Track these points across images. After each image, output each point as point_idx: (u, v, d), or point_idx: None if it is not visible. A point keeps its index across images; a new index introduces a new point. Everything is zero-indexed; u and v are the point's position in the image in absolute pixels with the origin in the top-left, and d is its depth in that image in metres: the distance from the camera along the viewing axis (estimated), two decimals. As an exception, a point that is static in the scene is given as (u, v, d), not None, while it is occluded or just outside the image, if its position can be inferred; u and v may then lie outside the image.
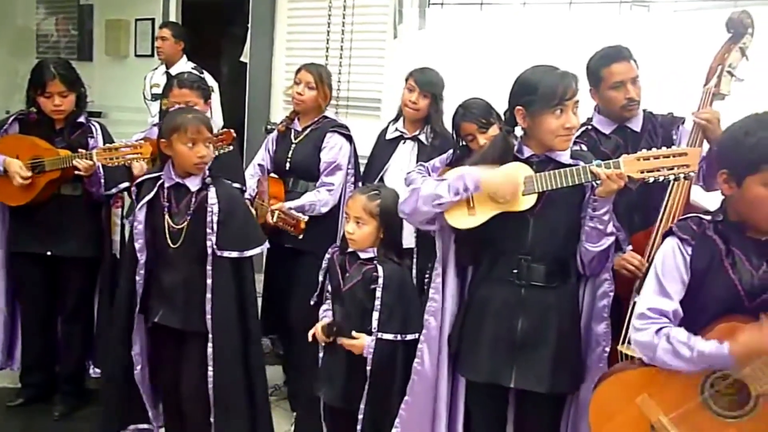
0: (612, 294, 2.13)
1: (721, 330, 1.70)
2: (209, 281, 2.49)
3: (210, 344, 2.50)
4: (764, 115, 1.76)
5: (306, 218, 2.99)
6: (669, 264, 1.80)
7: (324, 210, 3.17)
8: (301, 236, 3.03)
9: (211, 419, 2.55)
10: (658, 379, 1.78)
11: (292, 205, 3.13)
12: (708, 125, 2.29)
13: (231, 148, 3.03)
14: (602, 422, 1.87)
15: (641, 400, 1.79)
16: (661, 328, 1.75)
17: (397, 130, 3.22)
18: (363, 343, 2.36)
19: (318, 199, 3.16)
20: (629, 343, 2.02)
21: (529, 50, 2.85)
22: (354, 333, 2.39)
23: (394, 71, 3.28)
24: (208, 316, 2.49)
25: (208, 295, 2.49)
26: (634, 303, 1.88)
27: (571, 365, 2.12)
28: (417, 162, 3.02)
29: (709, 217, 1.82)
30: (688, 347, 1.69)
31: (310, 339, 2.49)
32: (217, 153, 2.74)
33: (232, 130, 3.04)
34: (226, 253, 2.51)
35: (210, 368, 2.51)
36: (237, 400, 2.57)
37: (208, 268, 2.49)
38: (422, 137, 3.14)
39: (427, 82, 3.11)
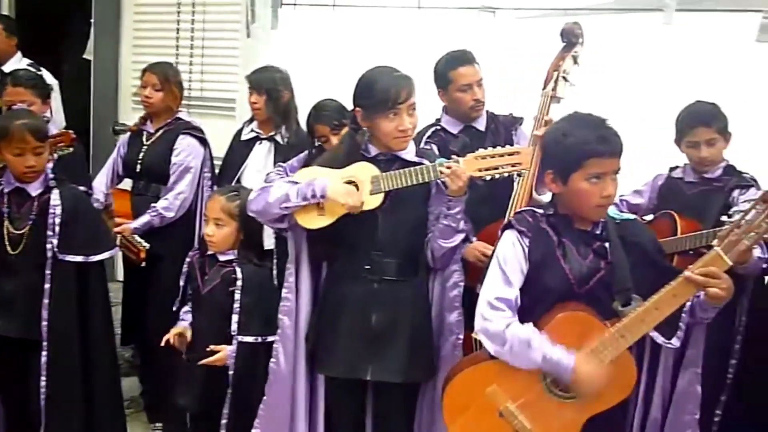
0: (462, 284, 2.23)
1: (559, 321, 1.81)
2: (47, 286, 2.41)
3: (44, 353, 2.41)
4: (577, 115, 1.90)
5: (147, 246, 2.89)
6: (510, 254, 1.89)
7: (170, 215, 3.08)
8: (143, 264, 2.96)
9: None
10: (506, 369, 1.86)
11: (138, 224, 3.04)
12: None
13: (71, 149, 2.89)
14: (456, 415, 1.93)
15: (491, 391, 1.87)
16: (509, 324, 1.83)
17: (252, 130, 3.20)
18: (224, 356, 2.34)
19: (162, 207, 3.07)
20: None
21: (380, 51, 2.94)
22: (212, 347, 2.35)
23: (248, 71, 3.26)
24: (44, 323, 2.40)
25: (45, 301, 2.40)
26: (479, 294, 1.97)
27: (425, 355, 2.19)
28: (274, 162, 3.01)
29: (542, 211, 1.95)
30: (538, 350, 1.77)
31: (162, 344, 2.43)
32: (56, 155, 2.60)
33: (71, 131, 2.92)
34: (69, 258, 2.42)
35: (42, 378, 2.42)
36: (72, 413, 2.46)
37: (47, 272, 2.41)
38: (278, 137, 3.13)
39: (257, 81, 3.13)
